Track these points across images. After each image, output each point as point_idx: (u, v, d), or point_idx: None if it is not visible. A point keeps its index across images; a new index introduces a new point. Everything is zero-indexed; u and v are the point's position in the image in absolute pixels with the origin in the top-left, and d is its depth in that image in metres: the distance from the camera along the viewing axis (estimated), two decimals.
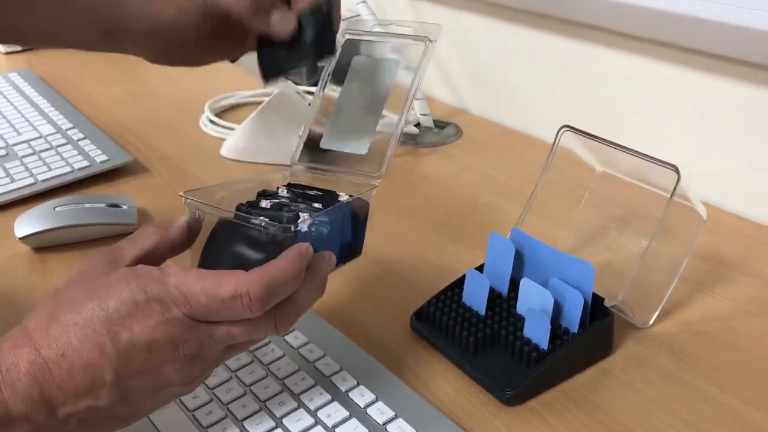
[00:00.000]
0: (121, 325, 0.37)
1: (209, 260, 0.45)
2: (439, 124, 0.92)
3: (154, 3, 0.52)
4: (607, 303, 0.52)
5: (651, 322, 0.55)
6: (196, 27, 0.52)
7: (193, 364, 0.39)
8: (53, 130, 0.89)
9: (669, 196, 0.51)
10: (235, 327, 0.39)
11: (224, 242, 0.45)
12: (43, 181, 0.77)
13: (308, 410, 0.46)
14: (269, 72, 0.52)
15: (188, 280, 0.38)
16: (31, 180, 0.77)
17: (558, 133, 0.58)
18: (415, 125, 0.89)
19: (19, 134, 0.88)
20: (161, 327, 0.37)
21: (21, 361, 0.37)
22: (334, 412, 0.46)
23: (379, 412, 0.46)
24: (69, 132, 0.88)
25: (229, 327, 0.39)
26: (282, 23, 0.50)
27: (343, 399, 0.47)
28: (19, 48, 1.23)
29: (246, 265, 0.41)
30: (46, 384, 0.37)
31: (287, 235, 0.42)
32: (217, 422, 0.46)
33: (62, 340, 0.37)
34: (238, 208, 0.46)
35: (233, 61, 0.60)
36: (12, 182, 0.77)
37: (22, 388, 0.36)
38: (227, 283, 0.38)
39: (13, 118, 0.93)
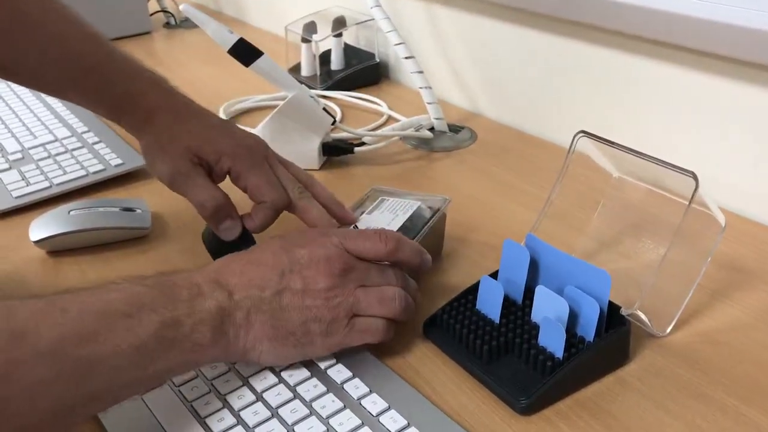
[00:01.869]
0: (297, 243, 0.50)
1: None
2: (454, 128, 0.91)
3: (155, 162, 0.61)
4: (624, 311, 0.51)
5: (668, 331, 0.55)
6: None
7: (336, 285, 0.48)
8: (69, 134, 0.89)
9: (687, 202, 0.50)
10: (372, 265, 0.51)
11: None
12: (58, 184, 0.77)
13: (320, 417, 0.46)
14: (212, 250, 0.63)
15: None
16: (46, 183, 0.77)
17: (574, 138, 0.57)
18: (429, 129, 0.89)
19: (35, 138, 0.89)
20: (321, 247, 0.49)
21: (208, 270, 0.48)
22: (346, 420, 0.46)
23: (392, 420, 0.46)
24: (84, 135, 0.88)
25: (368, 264, 0.51)
26: (230, 232, 0.60)
27: (355, 407, 0.47)
28: None
29: None
30: (226, 275, 0.48)
31: None
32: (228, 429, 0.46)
33: (245, 255, 0.50)
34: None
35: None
36: (27, 186, 0.77)
37: (208, 276, 0.47)
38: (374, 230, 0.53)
39: (29, 122, 0.93)
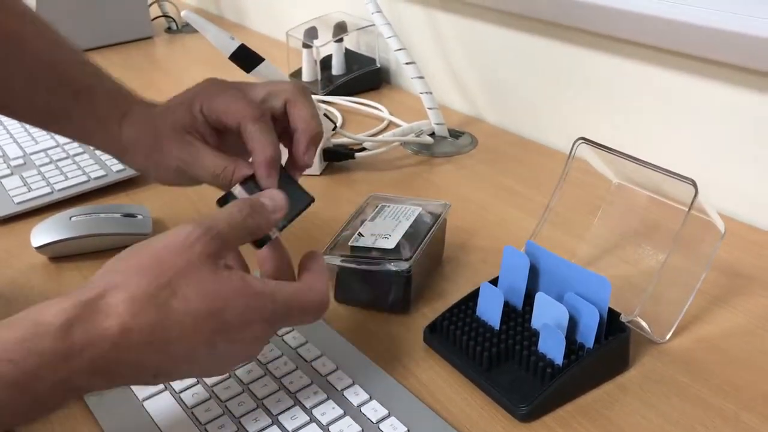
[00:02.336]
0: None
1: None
2: (454, 134, 0.91)
3: (157, 168, 0.58)
4: (624, 318, 0.51)
5: (668, 337, 0.55)
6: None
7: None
8: (70, 140, 0.89)
9: (686, 209, 0.50)
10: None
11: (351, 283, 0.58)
12: (60, 190, 0.77)
13: (320, 424, 0.46)
14: None
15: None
16: (47, 189, 0.78)
17: (574, 145, 0.57)
18: (429, 135, 0.89)
19: (37, 143, 0.89)
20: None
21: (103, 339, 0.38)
22: (346, 427, 0.46)
23: (392, 427, 0.46)
24: None
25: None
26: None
27: (356, 414, 0.47)
28: None
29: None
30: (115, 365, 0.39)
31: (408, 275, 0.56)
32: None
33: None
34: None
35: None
36: (29, 191, 0.77)
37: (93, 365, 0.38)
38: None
39: (30, 127, 0.93)
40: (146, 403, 0.49)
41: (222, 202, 0.52)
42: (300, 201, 0.52)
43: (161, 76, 1.17)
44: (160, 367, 0.40)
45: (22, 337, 0.37)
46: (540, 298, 0.52)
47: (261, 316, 0.42)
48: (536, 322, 0.52)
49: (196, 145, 0.55)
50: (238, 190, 0.52)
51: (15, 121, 0.96)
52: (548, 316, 0.51)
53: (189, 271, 0.40)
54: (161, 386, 0.50)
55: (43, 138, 0.90)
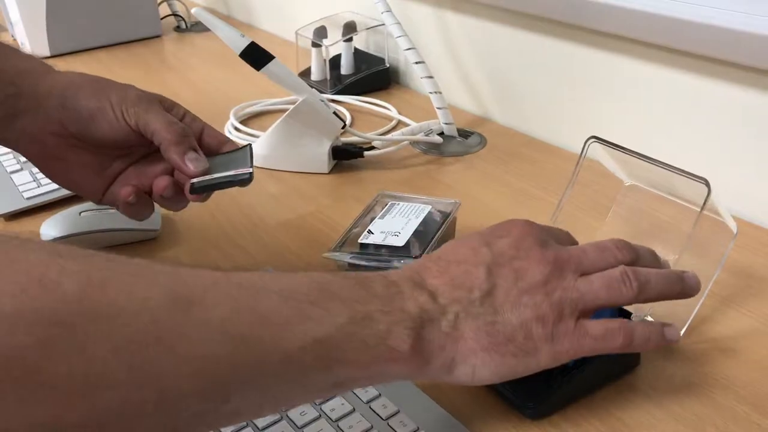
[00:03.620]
0: (499, 234, 0.44)
1: None
2: (463, 133, 0.91)
3: (92, 122, 0.56)
4: (635, 317, 0.51)
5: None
6: (116, 143, 0.57)
7: (554, 275, 0.42)
8: None
9: (698, 209, 0.50)
10: (586, 246, 0.46)
11: None
12: None
13: (329, 420, 0.46)
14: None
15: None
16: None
17: (585, 144, 0.57)
18: (438, 134, 0.89)
19: None
20: (527, 236, 0.44)
21: (406, 269, 0.42)
22: (355, 423, 0.46)
23: (401, 423, 0.46)
24: None
25: (581, 246, 0.46)
26: (198, 164, 0.56)
27: (365, 410, 0.47)
28: (47, 54, 1.25)
29: None
30: (425, 275, 0.41)
31: None
32: None
33: (440, 250, 0.44)
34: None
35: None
36: (39, 187, 0.77)
37: (406, 276, 0.41)
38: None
39: None
40: None
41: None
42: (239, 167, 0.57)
43: (170, 74, 1.17)
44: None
45: (355, 283, 0.39)
46: None
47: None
48: None
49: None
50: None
51: None
52: None
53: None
54: None
55: None
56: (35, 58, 0.60)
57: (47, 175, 0.60)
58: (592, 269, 0.44)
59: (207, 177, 0.56)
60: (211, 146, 0.59)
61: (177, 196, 0.57)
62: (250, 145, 0.59)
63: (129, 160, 0.59)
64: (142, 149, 0.59)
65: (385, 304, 0.38)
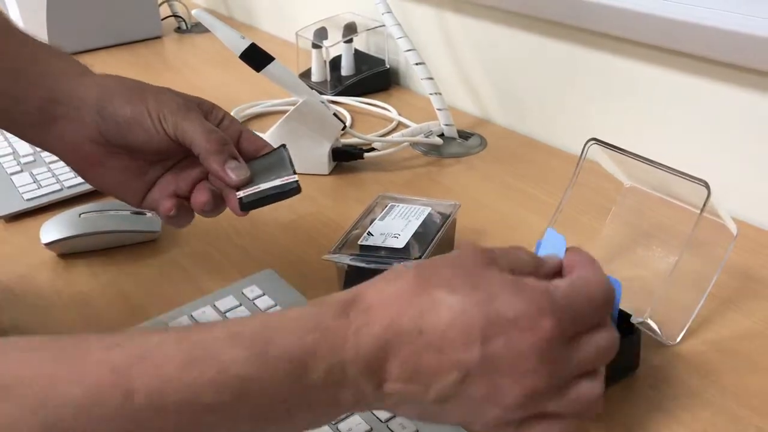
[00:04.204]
0: (499, 327, 0.35)
1: None
2: (463, 135, 0.91)
3: (129, 130, 0.54)
4: (634, 319, 0.51)
5: (678, 339, 0.54)
6: (154, 150, 0.55)
7: (527, 404, 0.36)
8: None
9: (698, 211, 0.50)
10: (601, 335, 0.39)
11: None
12: (69, 187, 0.78)
13: (329, 423, 0.46)
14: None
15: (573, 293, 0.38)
16: (57, 186, 0.78)
17: (585, 146, 0.57)
18: (438, 136, 0.89)
19: None
20: (546, 349, 0.35)
21: (375, 323, 0.35)
22: (354, 425, 0.46)
23: (401, 426, 0.46)
24: None
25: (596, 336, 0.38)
26: (239, 172, 0.53)
27: (367, 413, 0.47)
28: None
29: None
30: (391, 355, 0.34)
31: None
32: None
33: (428, 317, 0.35)
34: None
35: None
36: (39, 188, 0.78)
37: (365, 352, 0.34)
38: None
39: None
40: None
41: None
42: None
43: (171, 75, 1.17)
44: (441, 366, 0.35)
45: (303, 315, 0.35)
46: None
47: (539, 307, 0.36)
48: None
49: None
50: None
51: None
52: None
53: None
54: None
55: None
56: (70, 57, 0.58)
57: (86, 180, 0.58)
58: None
59: (254, 189, 0.54)
60: (249, 151, 0.57)
61: (217, 207, 0.56)
62: (284, 145, 0.57)
63: (167, 164, 0.58)
64: (180, 154, 0.57)
65: (315, 395, 0.34)
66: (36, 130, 0.56)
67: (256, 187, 0.54)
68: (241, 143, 0.57)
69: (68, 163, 0.58)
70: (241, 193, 0.54)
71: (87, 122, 0.54)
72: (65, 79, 0.55)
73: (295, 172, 0.54)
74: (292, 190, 0.54)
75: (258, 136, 0.59)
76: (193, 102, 0.57)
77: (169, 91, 0.56)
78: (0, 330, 0.58)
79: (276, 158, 0.56)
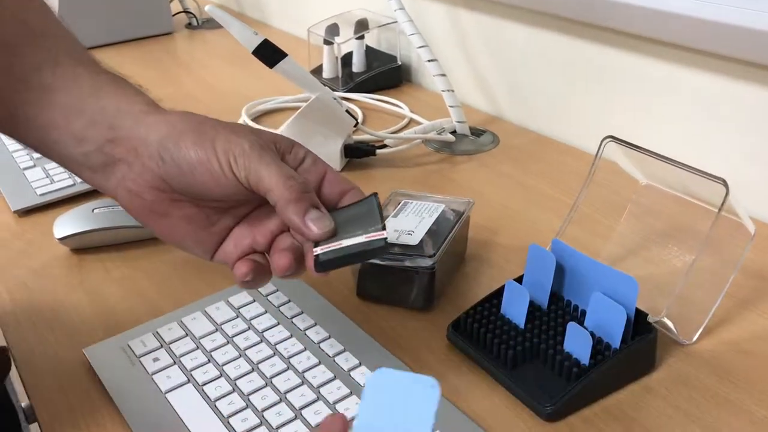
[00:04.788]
0: None
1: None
2: (476, 132, 0.91)
3: (193, 175, 0.46)
4: (651, 319, 0.51)
5: (695, 339, 0.54)
6: (224, 198, 0.48)
7: None
8: None
9: (715, 210, 0.49)
10: None
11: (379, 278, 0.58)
12: (82, 182, 0.77)
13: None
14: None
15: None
16: (70, 181, 0.78)
17: (601, 143, 0.56)
18: (451, 132, 0.89)
19: None
20: None
21: None
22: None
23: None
24: None
25: None
26: (321, 223, 0.46)
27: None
28: None
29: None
30: None
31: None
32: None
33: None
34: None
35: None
36: (52, 183, 0.78)
37: None
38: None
39: None
40: (169, 396, 0.49)
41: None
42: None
43: (182, 72, 1.17)
44: None
45: None
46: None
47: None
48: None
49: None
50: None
51: None
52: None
53: None
54: (184, 378, 0.50)
55: None
56: (140, 92, 0.51)
57: (152, 230, 0.50)
58: None
59: (334, 246, 0.45)
60: (331, 197, 0.49)
61: (300, 269, 0.47)
62: (375, 194, 0.48)
63: (240, 213, 0.50)
64: (255, 202, 0.49)
65: None
66: (97, 175, 0.49)
67: (337, 243, 0.45)
68: (323, 187, 0.49)
69: (131, 212, 0.50)
70: (318, 250, 0.45)
71: (148, 167, 0.47)
72: (129, 117, 0.48)
73: (384, 227, 0.45)
74: (379, 249, 0.44)
75: (345, 179, 0.50)
76: (268, 140, 0.48)
77: (243, 128, 0.48)
78: (15, 324, 0.58)
79: (365, 208, 0.47)
